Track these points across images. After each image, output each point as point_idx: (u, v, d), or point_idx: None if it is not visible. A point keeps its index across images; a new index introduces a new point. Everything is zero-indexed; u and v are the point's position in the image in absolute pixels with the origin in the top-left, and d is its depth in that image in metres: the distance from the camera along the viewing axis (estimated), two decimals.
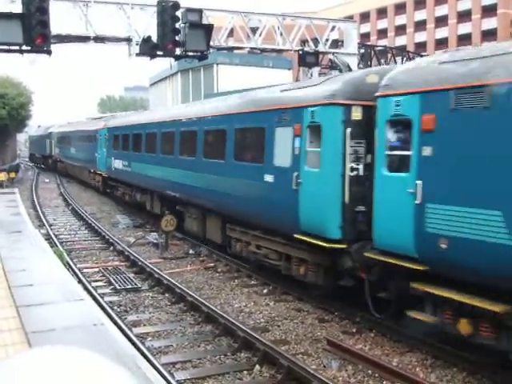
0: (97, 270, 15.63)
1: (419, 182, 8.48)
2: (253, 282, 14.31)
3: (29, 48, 16.26)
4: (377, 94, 9.57)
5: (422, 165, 8.51)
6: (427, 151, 8.43)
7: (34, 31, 15.85)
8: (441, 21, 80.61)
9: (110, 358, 5.55)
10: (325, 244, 10.57)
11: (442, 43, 79.33)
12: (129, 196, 26.57)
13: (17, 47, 16.27)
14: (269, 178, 12.61)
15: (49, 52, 16.57)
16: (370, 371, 8.58)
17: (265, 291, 13.45)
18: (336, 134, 10.53)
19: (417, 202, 8.50)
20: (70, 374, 1.61)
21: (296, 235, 11.45)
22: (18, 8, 16.18)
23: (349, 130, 10.34)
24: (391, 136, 9.32)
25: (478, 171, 7.62)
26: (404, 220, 8.76)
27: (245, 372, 8.71)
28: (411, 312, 8.97)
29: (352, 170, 10.40)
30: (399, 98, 9.05)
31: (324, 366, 8.90)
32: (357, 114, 10.47)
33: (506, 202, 7.16)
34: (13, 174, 39.30)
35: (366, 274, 10.13)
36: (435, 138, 8.33)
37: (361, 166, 10.43)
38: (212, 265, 16.19)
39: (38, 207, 28.28)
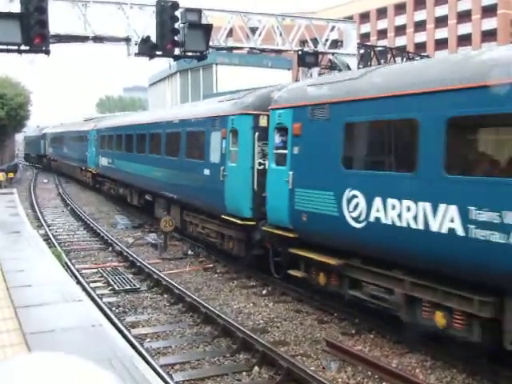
0: (95, 270, 15.60)
1: (291, 173, 11.54)
2: (252, 283, 14.28)
3: (27, 48, 16.24)
4: (269, 107, 12.70)
5: (293, 160, 11.58)
6: (296, 150, 11.52)
7: (33, 31, 15.82)
8: (441, 21, 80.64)
9: (108, 360, 5.51)
10: (240, 222, 13.76)
11: (441, 43, 79.45)
12: (113, 190, 29.83)
13: (15, 47, 16.25)
14: (207, 171, 15.78)
15: (47, 52, 16.54)
16: (369, 372, 8.55)
17: (264, 292, 13.42)
18: (248, 136, 13.73)
19: (289, 187, 11.57)
20: (54, 380, 1.57)
21: (223, 216, 14.56)
22: (16, 8, 16.16)
23: (257, 134, 13.53)
24: (276, 139, 12.33)
25: (322, 164, 10.71)
26: (283, 201, 11.77)
27: (244, 373, 8.68)
28: (291, 271, 12.02)
29: (260, 164, 13.53)
30: (281, 111, 12.14)
31: (323, 368, 8.87)
32: (263, 121, 13.41)
33: (335, 186, 10.30)
34: (11, 175, 39.28)
35: (269, 244, 13.08)
36: (300, 141, 11.41)
37: (266, 162, 13.16)
38: (211, 265, 16.17)
39: (37, 208, 28.26)
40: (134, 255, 16.74)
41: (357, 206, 9.74)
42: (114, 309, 11.93)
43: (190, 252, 17.90)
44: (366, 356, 9.01)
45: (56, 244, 18.51)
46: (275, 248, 13.00)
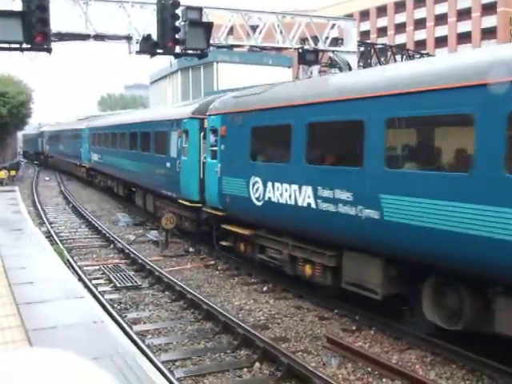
0: (97, 267, 15.65)
1: (219, 165, 14.77)
2: (253, 280, 14.33)
3: (29, 46, 16.28)
4: (206, 113, 16.02)
5: (221, 155, 14.80)
6: (222, 147, 14.73)
7: (34, 29, 15.87)
8: (440, 19, 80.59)
9: (109, 356, 5.56)
10: (189, 204, 17.23)
11: (441, 41, 79.39)
12: (103, 182, 33.36)
13: (17, 45, 16.30)
14: (168, 164, 19.25)
15: (49, 50, 16.59)
16: (369, 368, 8.59)
17: (265, 289, 13.47)
18: (195, 136, 17.15)
19: (219, 176, 14.77)
20: (50, 376, 1.61)
21: (179, 200, 18.03)
22: (18, 6, 16.20)
23: (202, 134, 16.73)
24: (211, 138, 15.50)
25: (238, 158, 13.93)
26: (215, 187, 15.01)
27: (245, 369, 8.72)
28: (222, 242, 15.54)
29: (205, 158, 16.27)
30: (213, 117, 15.48)
31: (324, 364, 8.92)
32: (207, 124, 16.09)
33: (245, 174, 13.45)
34: (13, 172, 39.34)
35: (212, 222, 16.22)
36: (225, 140, 14.64)
37: None
38: (212, 262, 16.22)
39: (39, 205, 28.32)
40: (136, 252, 16.80)
41: (258, 189, 12.97)
42: (115, 305, 11.98)
43: (191, 249, 17.95)
44: (367, 352, 9.06)
45: (58, 241, 18.57)
46: (215, 225, 16.16)
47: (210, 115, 15.66)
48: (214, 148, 15.20)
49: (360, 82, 10.49)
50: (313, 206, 10.85)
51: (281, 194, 11.95)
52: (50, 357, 1.74)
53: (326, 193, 10.53)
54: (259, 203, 12.86)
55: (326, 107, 10.88)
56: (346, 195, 10.07)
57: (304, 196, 11.13)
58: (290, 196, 11.61)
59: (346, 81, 11.19)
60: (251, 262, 14.54)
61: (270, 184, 12.38)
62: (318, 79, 13.59)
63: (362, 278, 10.25)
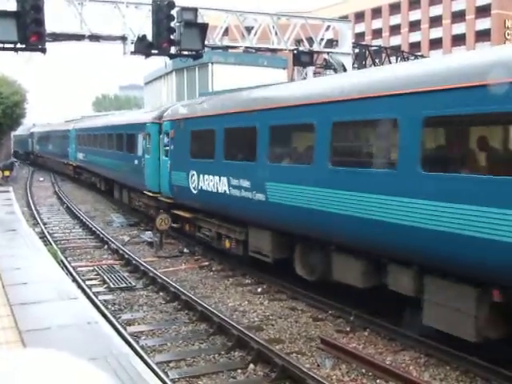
0: (91, 268, 15.62)
1: (169, 162, 18.30)
2: (247, 281, 14.33)
3: (23, 46, 16.24)
4: (162, 119, 19.49)
5: (171, 153, 18.28)
6: (172, 147, 18.18)
7: (29, 29, 15.83)
8: (435, 21, 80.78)
9: (103, 357, 5.54)
10: (151, 194, 20.56)
11: (436, 43, 79.60)
12: (88, 179, 36.78)
13: (11, 45, 16.25)
14: (136, 161, 22.53)
15: (43, 50, 16.55)
16: (363, 370, 8.60)
17: (259, 290, 13.47)
18: (155, 138, 20.21)
19: (169, 170, 18.31)
20: (45, 377, 1.60)
21: (144, 192, 21.35)
22: (12, 6, 16.16)
23: (161, 136, 19.65)
24: (165, 140, 18.91)
25: (182, 156, 17.23)
26: (166, 180, 18.56)
27: (239, 371, 8.72)
28: (173, 224, 18.27)
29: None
30: (166, 122, 18.94)
31: (318, 365, 8.93)
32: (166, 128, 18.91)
33: (186, 169, 16.69)
34: (7, 173, 39.19)
35: (166, 208, 19.08)
36: (174, 141, 18.04)
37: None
38: (206, 263, 16.21)
39: (33, 206, 28.25)
40: (130, 253, 16.78)
41: (194, 180, 16.15)
42: (109, 306, 11.96)
43: (185, 250, 17.94)
44: (361, 353, 9.07)
45: (52, 242, 18.53)
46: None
47: (164, 121, 19.24)
48: (166, 148, 18.83)
49: (250, 98, 14.58)
50: (227, 192, 14.24)
51: (208, 184, 15.32)
52: (45, 357, 1.73)
53: (235, 182, 13.87)
54: (195, 191, 16.20)
55: (234, 117, 14.46)
56: (246, 183, 13.33)
57: (222, 185, 14.52)
58: (214, 185, 14.97)
59: (247, 96, 15.02)
60: (193, 238, 17.90)
61: (201, 176, 15.85)
62: (233, 95, 16.37)
63: (260, 247, 13.47)
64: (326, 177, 10.63)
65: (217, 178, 14.74)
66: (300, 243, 12.34)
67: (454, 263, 8.10)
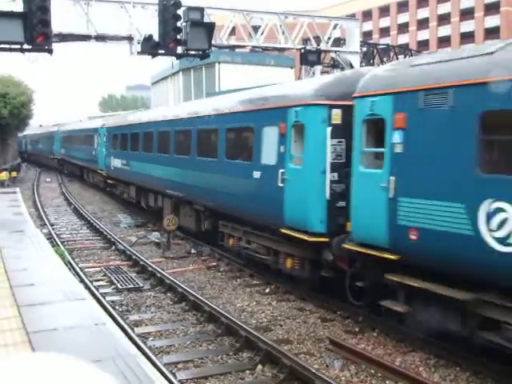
0: (98, 269, 15.61)
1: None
2: (255, 282, 14.28)
3: (30, 47, 16.25)
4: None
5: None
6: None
7: (36, 30, 15.83)
8: (443, 19, 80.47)
9: (111, 358, 5.50)
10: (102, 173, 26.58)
11: (444, 41, 79.29)
12: (68, 169, 47.79)
13: (18, 46, 16.26)
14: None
15: (50, 51, 16.55)
16: (372, 371, 8.54)
17: (267, 291, 13.42)
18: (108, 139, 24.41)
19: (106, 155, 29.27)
20: (51, 381, 1.56)
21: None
22: (19, 7, 16.17)
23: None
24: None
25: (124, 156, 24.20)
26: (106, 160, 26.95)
27: (247, 372, 8.68)
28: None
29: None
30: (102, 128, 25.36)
31: (326, 366, 8.87)
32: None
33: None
34: (14, 174, 39.31)
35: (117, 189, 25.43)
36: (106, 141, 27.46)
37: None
38: (214, 264, 16.17)
39: (40, 207, 28.30)
40: (137, 254, 16.76)
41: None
42: (117, 307, 11.94)
43: (193, 251, 17.90)
44: (370, 354, 9.00)
45: (59, 243, 18.54)
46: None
47: (102, 127, 28.44)
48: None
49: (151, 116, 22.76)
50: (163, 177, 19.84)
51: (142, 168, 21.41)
52: (51, 361, 1.69)
53: (120, 161, 20.75)
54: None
55: (163, 123, 20.77)
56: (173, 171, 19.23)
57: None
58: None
59: (170, 112, 21.69)
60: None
61: (116, 159, 26.45)
62: (158, 109, 22.99)
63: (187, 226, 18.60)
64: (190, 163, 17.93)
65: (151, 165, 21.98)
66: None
67: None
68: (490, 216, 7.50)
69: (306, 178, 11.52)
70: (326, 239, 11.07)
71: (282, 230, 12.24)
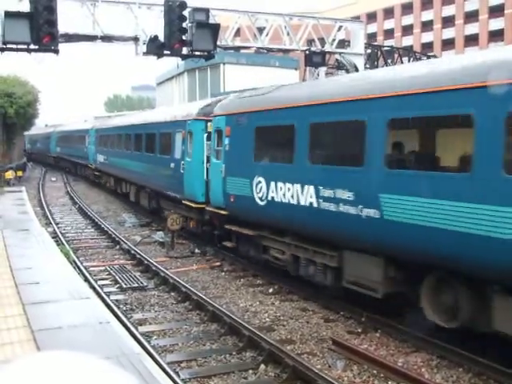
0: (103, 268, 15.68)
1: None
2: (258, 282, 14.32)
3: (36, 47, 16.34)
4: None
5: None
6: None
7: (42, 30, 15.92)
8: (448, 21, 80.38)
9: (115, 357, 5.55)
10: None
11: (448, 43, 79.21)
12: (64, 163, 54.28)
13: (24, 46, 16.34)
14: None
15: (56, 51, 16.64)
16: (375, 371, 8.57)
17: (270, 290, 13.46)
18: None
19: (94, 152, 36.15)
20: (73, 379, 1.59)
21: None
22: (25, 7, 16.25)
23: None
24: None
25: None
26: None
27: (250, 371, 8.71)
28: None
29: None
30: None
31: (329, 366, 8.90)
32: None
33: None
34: (20, 173, 39.43)
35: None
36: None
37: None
38: (218, 264, 16.22)
39: (45, 206, 28.40)
40: (142, 253, 16.82)
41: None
42: (121, 306, 11.99)
43: (196, 250, 17.96)
44: (372, 354, 9.03)
45: (64, 242, 18.61)
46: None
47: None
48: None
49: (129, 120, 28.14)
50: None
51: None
52: (69, 359, 1.71)
53: (103, 157, 27.37)
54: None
55: (125, 128, 26.27)
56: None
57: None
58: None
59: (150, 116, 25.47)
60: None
61: (101, 155, 29.18)
62: (124, 117, 27.00)
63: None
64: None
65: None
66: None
67: None
68: (256, 185, 13.45)
69: (193, 166, 17.75)
70: (204, 206, 16.96)
71: (183, 201, 18.43)
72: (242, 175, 14.05)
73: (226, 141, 15.04)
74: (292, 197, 11.91)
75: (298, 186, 11.72)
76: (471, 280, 8.40)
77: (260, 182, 13.16)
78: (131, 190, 26.99)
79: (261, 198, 13.15)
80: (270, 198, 12.84)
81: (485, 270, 7.81)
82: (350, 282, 10.83)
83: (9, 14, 15.84)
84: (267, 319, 11.29)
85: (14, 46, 16.43)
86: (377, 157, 9.56)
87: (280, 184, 12.38)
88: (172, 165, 19.52)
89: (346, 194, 10.17)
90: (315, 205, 11.11)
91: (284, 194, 12.23)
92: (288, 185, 12.07)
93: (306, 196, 11.42)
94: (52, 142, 59.59)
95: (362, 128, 9.80)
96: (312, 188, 11.23)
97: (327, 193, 10.77)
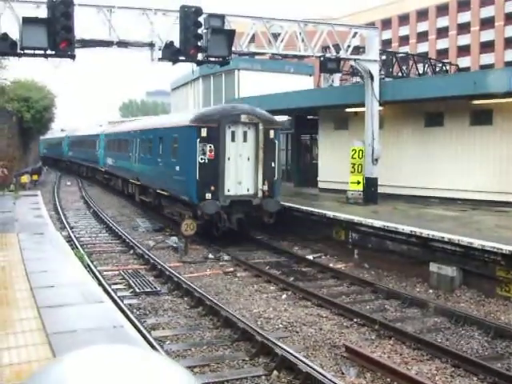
0: (117, 272, 15.74)
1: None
2: (272, 288, 14.31)
3: (53, 52, 16.47)
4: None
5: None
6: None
7: (59, 36, 16.05)
8: (463, 28, 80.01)
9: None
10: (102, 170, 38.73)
11: (464, 50, 78.84)
12: (69, 166, 59.79)
13: (42, 52, 16.48)
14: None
15: (73, 56, 16.76)
16: (388, 379, 8.53)
17: (283, 297, 13.44)
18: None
19: (104, 156, 43.26)
20: (134, 372, 1.60)
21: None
22: (43, 13, 16.39)
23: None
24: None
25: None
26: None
27: (263, 377, 8.71)
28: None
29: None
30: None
31: (342, 373, 8.87)
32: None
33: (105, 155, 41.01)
34: (35, 177, 39.69)
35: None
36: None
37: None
38: (231, 269, 16.23)
39: (60, 210, 28.58)
40: (155, 258, 16.86)
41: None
42: (134, 311, 12.04)
43: (210, 256, 17.98)
44: (386, 362, 8.99)
45: (78, 246, 18.72)
46: None
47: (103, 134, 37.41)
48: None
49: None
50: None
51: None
52: (128, 352, 1.70)
53: (111, 159, 35.16)
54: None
55: (120, 134, 35.30)
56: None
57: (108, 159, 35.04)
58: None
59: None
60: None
61: (109, 158, 38.35)
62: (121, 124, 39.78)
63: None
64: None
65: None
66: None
67: None
68: (106, 160, 38.43)
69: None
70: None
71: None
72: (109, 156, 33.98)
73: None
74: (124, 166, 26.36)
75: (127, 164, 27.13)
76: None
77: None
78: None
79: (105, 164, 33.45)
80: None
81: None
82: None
83: (27, 20, 15.98)
84: (280, 325, 11.28)
85: (31, 52, 16.57)
86: (136, 153, 27.38)
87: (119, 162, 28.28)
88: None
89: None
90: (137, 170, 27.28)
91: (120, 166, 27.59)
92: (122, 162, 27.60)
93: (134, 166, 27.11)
94: (64, 147, 62.44)
95: (132, 141, 28.29)
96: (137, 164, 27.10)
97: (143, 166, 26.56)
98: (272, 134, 20.01)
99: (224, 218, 18.69)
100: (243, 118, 19.63)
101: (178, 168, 20.83)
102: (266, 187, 19.73)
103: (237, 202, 19.32)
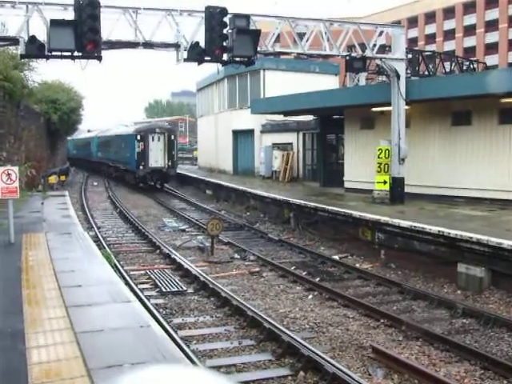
0: (143, 272, 15.84)
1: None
2: (298, 288, 14.27)
3: (80, 54, 16.62)
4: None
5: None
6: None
7: (85, 38, 16.19)
8: (491, 25, 79.03)
9: (155, 361, 5.53)
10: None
11: (491, 48, 77.83)
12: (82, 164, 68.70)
13: (69, 53, 16.64)
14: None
15: (99, 58, 16.90)
16: (416, 381, 8.44)
17: (310, 297, 13.40)
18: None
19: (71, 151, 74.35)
20: None
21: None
22: (70, 15, 16.56)
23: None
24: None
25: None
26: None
27: (289, 378, 8.68)
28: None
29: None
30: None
31: (369, 375, 8.81)
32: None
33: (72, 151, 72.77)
34: (63, 177, 40.15)
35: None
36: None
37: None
38: (257, 270, 16.22)
39: (87, 210, 28.87)
40: (181, 258, 16.93)
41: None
42: (161, 310, 12.10)
43: (236, 256, 18.00)
44: (413, 364, 8.90)
45: (105, 245, 18.88)
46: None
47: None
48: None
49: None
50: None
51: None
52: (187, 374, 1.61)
53: (101, 154, 54.11)
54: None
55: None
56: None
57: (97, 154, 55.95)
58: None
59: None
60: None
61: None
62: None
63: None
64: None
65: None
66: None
67: None
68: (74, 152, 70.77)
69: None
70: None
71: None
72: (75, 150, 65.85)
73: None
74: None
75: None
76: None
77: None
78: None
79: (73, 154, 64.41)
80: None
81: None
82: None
83: (54, 22, 16.16)
84: (306, 326, 11.24)
85: (58, 54, 16.75)
86: (95, 148, 57.78)
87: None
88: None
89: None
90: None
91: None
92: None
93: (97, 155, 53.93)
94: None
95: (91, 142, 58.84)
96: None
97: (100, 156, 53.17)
98: (172, 137, 40.07)
99: (149, 178, 39.65)
100: (157, 130, 40.24)
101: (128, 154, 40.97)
102: (169, 163, 39.09)
103: (155, 170, 38.94)
